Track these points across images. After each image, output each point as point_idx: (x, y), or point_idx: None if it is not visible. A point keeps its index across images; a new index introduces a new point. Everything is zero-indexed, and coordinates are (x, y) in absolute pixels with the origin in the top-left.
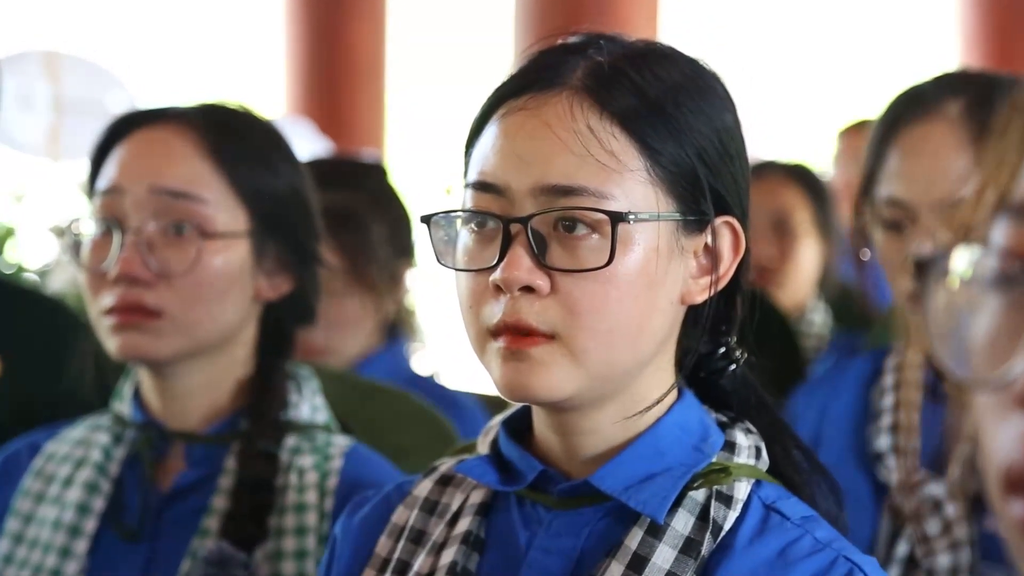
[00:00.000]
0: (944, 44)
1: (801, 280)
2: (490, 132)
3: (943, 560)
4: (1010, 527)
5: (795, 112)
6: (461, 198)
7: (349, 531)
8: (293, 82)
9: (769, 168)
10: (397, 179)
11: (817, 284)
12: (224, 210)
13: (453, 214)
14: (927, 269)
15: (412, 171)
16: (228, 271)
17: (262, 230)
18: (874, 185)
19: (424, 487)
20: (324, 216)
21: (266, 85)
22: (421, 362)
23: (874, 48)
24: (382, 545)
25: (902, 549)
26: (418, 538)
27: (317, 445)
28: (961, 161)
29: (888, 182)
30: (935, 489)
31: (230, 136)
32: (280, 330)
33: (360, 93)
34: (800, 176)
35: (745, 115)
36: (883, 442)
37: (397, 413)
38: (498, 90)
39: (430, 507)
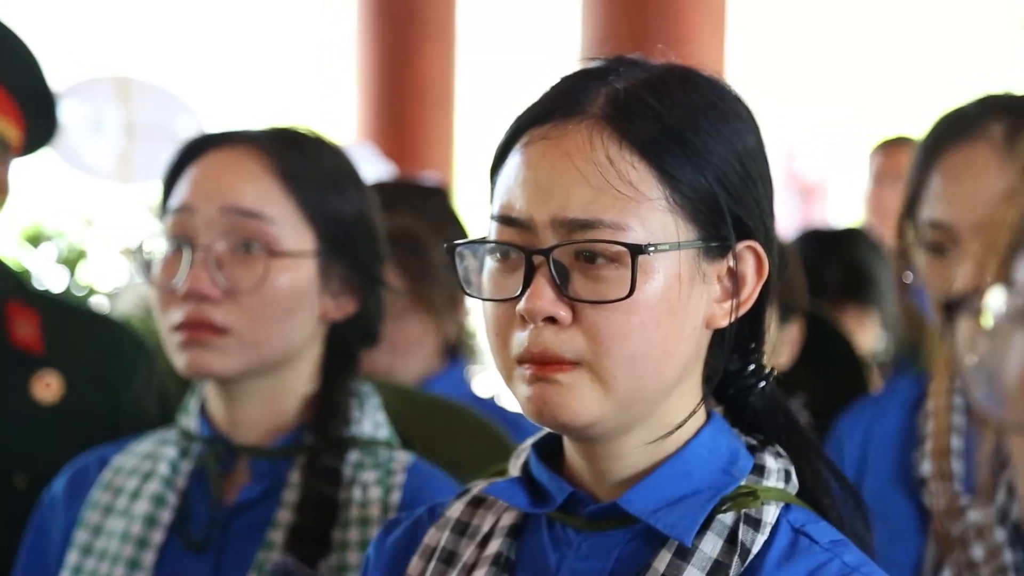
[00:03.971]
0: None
1: (869, 346)
2: (513, 161)
3: None
4: None
5: (862, 119)
6: (486, 227)
7: (382, 552)
8: (364, 107)
9: (829, 283)
10: (465, 204)
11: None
12: (292, 230)
13: (477, 245)
14: (955, 310)
15: (480, 195)
16: (294, 290)
17: (328, 251)
18: (917, 207)
19: (456, 509)
20: (386, 239)
21: (337, 110)
22: (482, 384)
23: (940, 60)
24: (414, 566)
25: (947, 575)
26: (449, 559)
27: (379, 461)
28: (1004, 183)
29: (931, 204)
30: (981, 514)
31: (299, 158)
32: (345, 349)
33: (430, 118)
34: (853, 293)
35: (812, 123)
36: (928, 467)
37: (457, 427)
38: (521, 117)
39: (461, 528)
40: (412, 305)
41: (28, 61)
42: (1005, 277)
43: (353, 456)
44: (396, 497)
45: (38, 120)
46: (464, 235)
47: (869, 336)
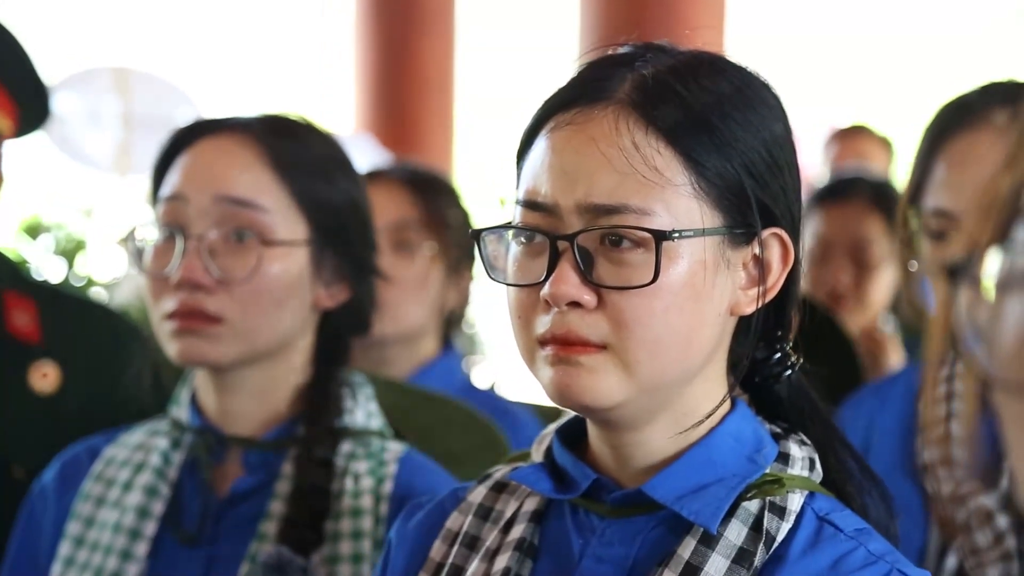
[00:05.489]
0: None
1: (874, 306)
2: (539, 146)
3: (993, 573)
4: None
5: (859, 113)
6: (511, 212)
7: (404, 536)
8: (363, 98)
9: (855, 191)
10: (464, 194)
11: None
12: (284, 219)
13: (502, 229)
14: (956, 274)
15: (478, 187)
16: (287, 279)
17: (321, 239)
18: (921, 196)
19: (479, 493)
20: (408, 178)
21: (336, 101)
22: (480, 374)
23: (939, 50)
24: (436, 550)
25: (951, 561)
26: (472, 544)
27: (372, 451)
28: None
29: (935, 193)
30: (985, 501)
31: (291, 146)
32: (337, 338)
33: (429, 109)
34: (885, 203)
35: (807, 118)
36: (933, 453)
37: (448, 419)
38: (547, 103)
39: (484, 513)
40: (423, 235)
41: (13, 48)
42: (1003, 240)
43: (345, 446)
44: (388, 487)
45: (29, 105)
46: (468, 223)
47: (884, 282)
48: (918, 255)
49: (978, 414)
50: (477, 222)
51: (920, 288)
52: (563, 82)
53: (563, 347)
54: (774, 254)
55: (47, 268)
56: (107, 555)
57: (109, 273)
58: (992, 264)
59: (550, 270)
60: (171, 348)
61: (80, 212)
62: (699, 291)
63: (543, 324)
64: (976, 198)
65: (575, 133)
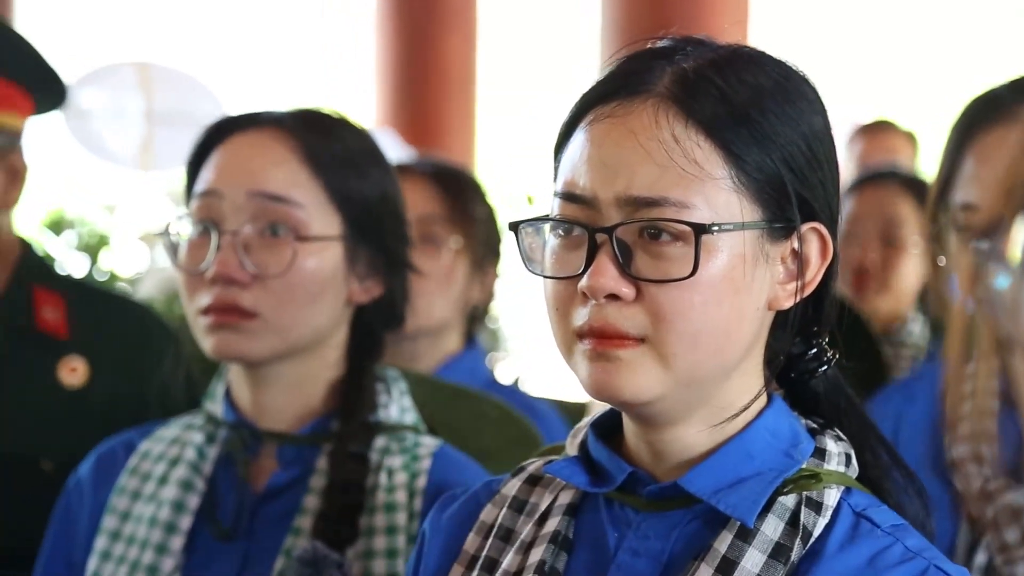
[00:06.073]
0: None
1: (901, 291)
2: (578, 139)
3: (1023, 569)
4: None
5: (883, 113)
6: (550, 204)
7: (438, 528)
8: (384, 94)
9: (887, 176)
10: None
11: (918, 297)
12: (319, 214)
13: (540, 222)
14: (983, 249)
15: (500, 182)
16: (322, 274)
17: (355, 234)
18: (949, 190)
19: (513, 486)
20: (434, 172)
21: (358, 96)
22: (504, 370)
23: (964, 48)
24: (470, 542)
25: (981, 558)
26: (507, 536)
27: (406, 446)
28: None
29: (963, 187)
30: (1013, 497)
31: (325, 141)
32: (371, 333)
33: (451, 104)
34: (916, 188)
35: (833, 118)
36: (959, 451)
37: (480, 416)
38: (586, 96)
39: (519, 506)
40: (449, 229)
41: (11, 40)
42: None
43: (380, 441)
44: (422, 482)
45: (41, 91)
46: (495, 219)
47: (913, 267)
48: (946, 250)
49: (995, 411)
50: (499, 218)
51: (948, 283)
52: (602, 75)
53: (600, 341)
54: (813, 249)
55: (70, 263)
56: (143, 549)
57: (132, 268)
58: (1017, 236)
59: (588, 262)
60: (206, 343)
61: (103, 208)
62: (738, 285)
63: (581, 317)
64: (1000, 179)
65: (615, 126)
